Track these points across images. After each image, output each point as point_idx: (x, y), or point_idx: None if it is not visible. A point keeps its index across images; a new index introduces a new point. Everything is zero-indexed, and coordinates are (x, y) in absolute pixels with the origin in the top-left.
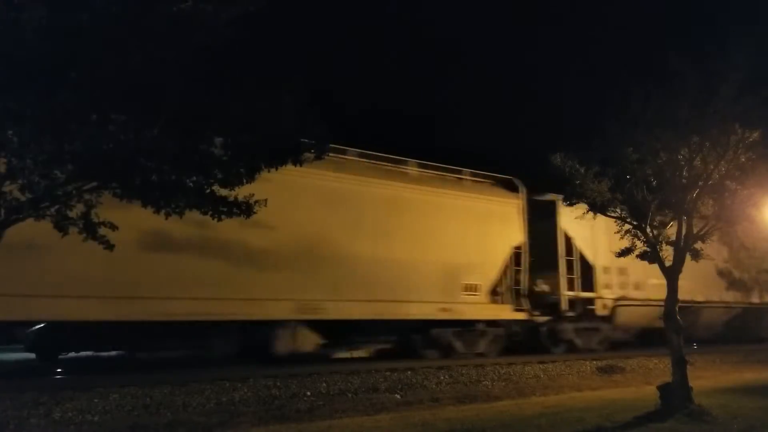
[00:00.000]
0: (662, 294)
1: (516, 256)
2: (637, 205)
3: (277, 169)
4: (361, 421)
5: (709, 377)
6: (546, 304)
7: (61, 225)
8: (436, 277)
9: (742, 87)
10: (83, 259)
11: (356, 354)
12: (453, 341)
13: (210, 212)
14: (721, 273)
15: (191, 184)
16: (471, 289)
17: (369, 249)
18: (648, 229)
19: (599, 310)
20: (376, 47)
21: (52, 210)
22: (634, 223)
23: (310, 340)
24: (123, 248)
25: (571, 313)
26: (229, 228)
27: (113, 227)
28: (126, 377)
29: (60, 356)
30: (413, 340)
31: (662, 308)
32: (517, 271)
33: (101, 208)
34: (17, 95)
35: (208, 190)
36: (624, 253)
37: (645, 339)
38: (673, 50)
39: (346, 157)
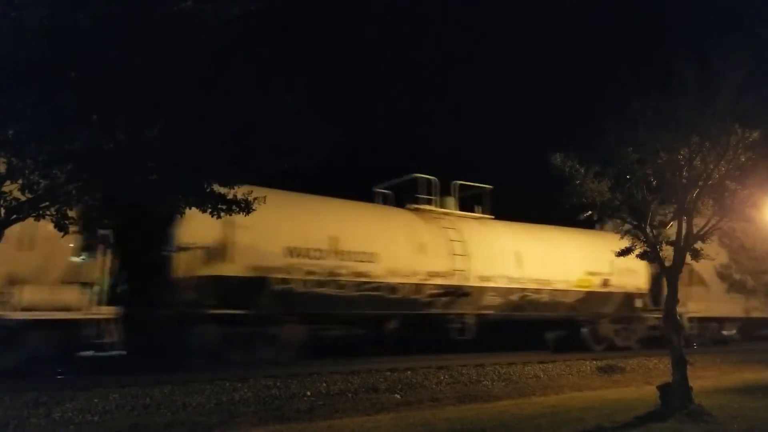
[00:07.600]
0: None
1: None
2: (637, 205)
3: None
4: (361, 421)
5: (709, 377)
6: None
7: (61, 225)
8: None
9: (742, 87)
10: None
11: None
12: None
13: (210, 211)
14: None
15: (191, 183)
16: None
17: None
18: (648, 229)
19: None
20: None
21: (52, 210)
22: (635, 223)
23: None
24: None
25: None
26: None
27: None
28: (126, 377)
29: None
30: None
31: None
32: None
33: None
34: (18, 95)
35: (208, 189)
36: (624, 252)
37: None
38: (673, 50)
39: None
